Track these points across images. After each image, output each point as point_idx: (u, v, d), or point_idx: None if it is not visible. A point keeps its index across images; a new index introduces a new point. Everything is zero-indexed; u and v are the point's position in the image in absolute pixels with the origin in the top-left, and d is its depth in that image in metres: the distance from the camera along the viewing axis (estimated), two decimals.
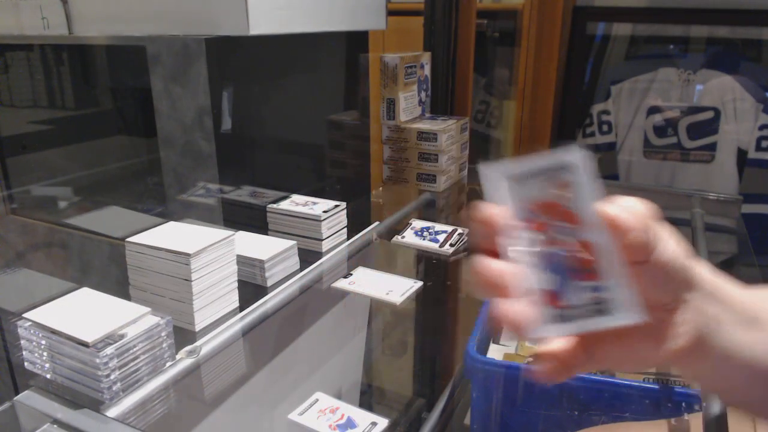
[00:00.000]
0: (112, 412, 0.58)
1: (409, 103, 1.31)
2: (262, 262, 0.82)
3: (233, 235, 0.75)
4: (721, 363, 0.38)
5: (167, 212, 1.00)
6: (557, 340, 0.34)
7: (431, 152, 1.26)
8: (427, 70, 1.37)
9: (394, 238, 1.05)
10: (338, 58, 1.21)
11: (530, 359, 1.10)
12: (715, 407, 0.60)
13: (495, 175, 0.37)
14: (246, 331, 0.75)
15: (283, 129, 1.09)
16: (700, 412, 0.62)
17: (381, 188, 1.34)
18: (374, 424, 0.64)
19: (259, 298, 0.80)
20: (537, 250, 0.35)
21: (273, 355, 0.87)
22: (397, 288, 0.86)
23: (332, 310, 1.00)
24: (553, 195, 0.36)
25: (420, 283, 0.88)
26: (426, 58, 1.36)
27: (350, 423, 0.64)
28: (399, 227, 1.10)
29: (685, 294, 0.36)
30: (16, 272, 1.15)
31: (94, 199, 1.15)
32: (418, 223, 1.10)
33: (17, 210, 1.19)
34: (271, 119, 1.05)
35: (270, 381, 0.86)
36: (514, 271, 0.34)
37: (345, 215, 0.99)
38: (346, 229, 1.00)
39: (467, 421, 1.05)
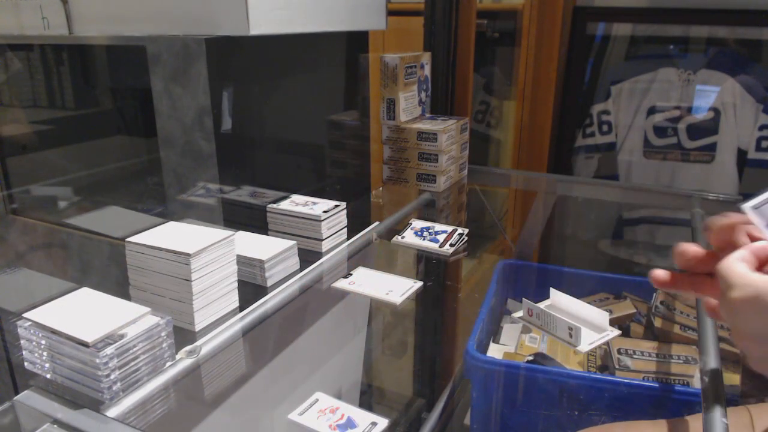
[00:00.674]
0: (112, 412, 0.58)
1: (409, 103, 1.31)
2: (262, 262, 0.82)
3: (233, 235, 0.75)
4: None
5: (167, 212, 1.00)
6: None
7: (431, 152, 1.26)
8: (427, 70, 1.37)
9: (394, 238, 1.06)
10: (338, 58, 1.21)
11: (530, 358, 1.10)
12: (715, 407, 0.60)
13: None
14: (246, 331, 0.75)
15: (283, 129, 1.09)
16: (699, 412, 0.62)
17: (381, 188, 1.34)
18: (374, 424, 0.64)
19: (259, 298, 0.80)
20: None
21: (273, 355, 0.87)
22: (397, 288, 0.87)
23: (332, 310, 1.01)
24: None
25: (420, 283, 0.88)
26: (426, 58, 1.36)
27: (350, 423, 0.64)
28: (399, 227, 1.10)
29: None
30: (16, 272, 1.15)
31: (94, 199, 1.15)
32: (418, 223, 1.10)
33: (17, 210, 1.19)
34: (271, 119, 1.05)
35: (270, 381, 0.86)
36: None
37: (345, 215, 0.99)
38: (346, 229, 1.00)
39: (467, 421, 1.05)
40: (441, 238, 1.05)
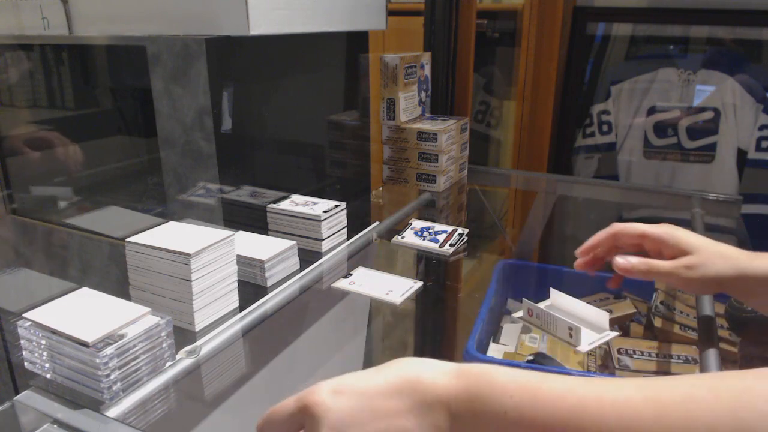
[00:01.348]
0: (112, 412, 0.58)
1: (409, 103, 1.31)
2: (262, 262, 0.82)
3: (233, 235, 0.75)
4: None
5: (167, 212, 1.00)
6: None
7: (431, 152, 1.26)
8: (427, 70, 1.37)
9: (394, 238, 1.06)
10: (338, 58, 1.21)
11: (530, 358, 1.10)
12: None
13: None
14: (246, 331, 0.75)
15: (283, 129, 1.09)
16: None
17: (381, 188, 1.34)
18: None
19: (259, 298, 0.80)
20: None
21: (273, 355, 0.87)
22: (397, 288, 0.87)
23: (332, 310, 1.00)
24: None
25: (420, 283, 0.88)
26: (426, 58, 1.36)
27: None
28: (399, 227, 1.10)
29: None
30: (16, 272, 1.15)
31: (94, 199, 1.15)
32: (418, 223, 1.10)
33: (17, 210, 1.19)
34: (271, 119, 1.05)
35: (270, 381, 0.86)
36: None
37: (345, 215, 0.99)
38: (346, 229, 1.00)
39: None
40: (441, 238, 1.05)
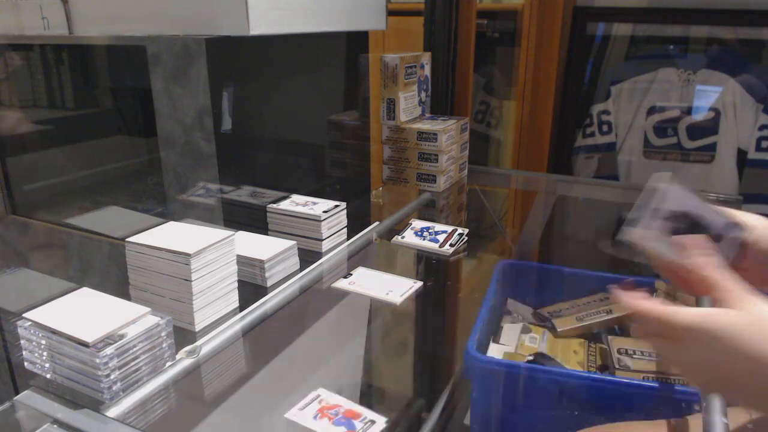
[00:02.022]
0: (112, 412, 0.58)
1: (409, 103, 1.31)
2: (262, 262, 0.82)
3: (233, 235, 0.75)
4: None
5: (167, 212, 1.00)
6: None
7: (431, 152, 1.26)
8: (427, 70, 1.37)
9: (394, 238, 1.06)
10: (338, 58, 1.21)
11: (530, 358, 1.10)
12: (715, 407, 0.60)
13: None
14: (246, 331, 0.75)
15: (283, 129, 1.09)
16: (699, 412, 0.62)
17: (381, 188, 1.34)
18: (372, 422, 0.64)
19: (259, 298, 0.80)
20: None
21: (273, 355, 0.87)
22: (397, 288, 0.87)
23: (332, 310, 1.00)
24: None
25: (420, 283, 0.88)
26: (426, 58, 1.36)
27: (350, 421, 0.64)
28: (399, 227, 1.10)
29: None
30: (16, 272, 1.15)
31: (94, 199, 1.15)
32: (418, 223, 1.10)
33: (17, 210, 1.19)
34: (271, 119, 1.05)
35: (270, 381, 0.86)
36: None
37: (345, 215, 0.99)
38: (346, 229, 1.00)
39: (467, 421, 1.05)
40: (441, 238, 1.05)
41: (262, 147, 1.05)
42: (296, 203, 0.98)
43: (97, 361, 0.58)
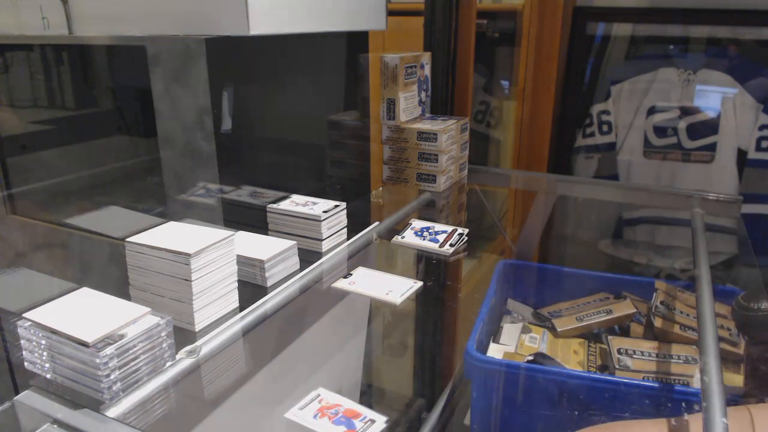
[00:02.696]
0: (112, 412, 0.58)
1: (409, 103, 1.31)
2: (262, 262, 0.82)
3: (233, 235, 0.75)
4: None
5: (167, 212, 1.00)
6: None
7: (431, 152, 1.26)
8: (427, 70, 1.37)
9: (394, 238, 1.06)
10: (338, 58, 1.21)
11: (530, 358, 1.10)
12: (715, 407, 0.60)
13: None
14: (246, 331, 0.75)
15: (283, 129, 1.09)
16: (699, 412, 0.62)
17: (381, 188, 1.34)
18: (372, 421, 0.64)
19: (259, 298, 0.80)
20: None
21: (273, 355, 0.87)
22: (397, 288, 0.87)
23: (332, 310, 1.01)
24: None
25: (420, 283, 0.88)
26: (426, 58, 1.36)
27: (349, 420, 0.64)
28: (399, 227, 1.10)
29: None
30: (16, 272, 1.15)
31: (94, 199, 1.15)
32: (418, 223, 1.10)
33: (17, 210, 1.19)
34: (271, 119, 1.05)
35: (270, 381, 0.86)
36: None
37: (345, 215, 0.99)
38: (346, 229, 1.00)
39: (467, 421, 1.05)
40: (441, 238, 1.05)
41: (262, 147, 1.05)
42: (296, 203, 0.98)
43: (97, 361, 0.58)
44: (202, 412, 0.75)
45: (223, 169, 0.92)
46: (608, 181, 1.77)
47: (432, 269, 1.08)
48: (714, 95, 1.71)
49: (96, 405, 0.59)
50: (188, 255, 0.69)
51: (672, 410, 0.89)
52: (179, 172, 0.95)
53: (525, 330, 1.21)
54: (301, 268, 0.89)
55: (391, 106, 1.28)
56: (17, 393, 0.60)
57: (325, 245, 0.95)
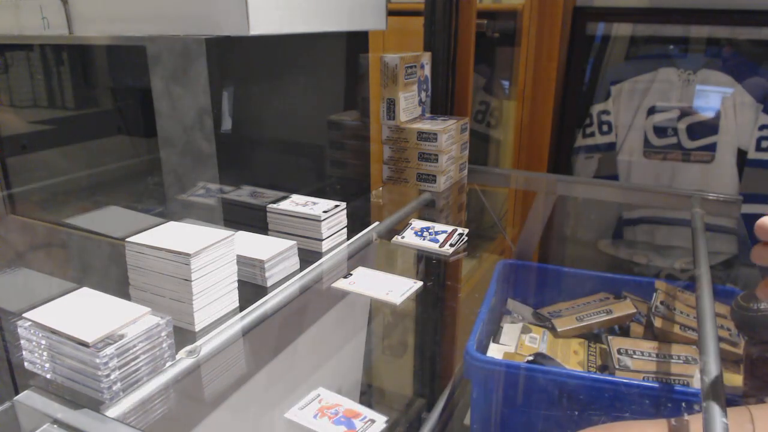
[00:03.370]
0: (112, 412, 0.58)
1: (409, 103, 1.31)
2: (262, 262, 0.82)
3: (233, 235, 0.75)
4: None
5: (167, 212, 1.00)
6: None
7: (431, 152, 1.26)
8: (427, 70, 1.37)
9: (394, 238, 1.06)
10: (338, 58, 1.21)
11: (530, 358, 1.10)
12: (715, 407, 0.60)
13: None
14: (246, 331, 0.75)
15: (283, 129, 1.09)
16: (699, 412, 0.62)
17: (381, 188, 1.34)
18: (372, 421, 0.64)
19: (259, 298, 0.80)
20: None
21: (273, 355, 0.87)
22: (396, 288, 0.87)
23: (332, 310, 1.01)
24: None
25: (420, 283, 0.88)
26: (426, 58, 1.36)
27: (349, 420, 0.64)
28: (399, 227, 1.10)
29: None
30: (16, 272, 1.15)
31: (94, 199, 1.15)
32: (418, 223, 1.10)
33: (17, 210, 1.19)
34: (271, 119, 1.05)
35: (270, 381, 0.86)
36: None
37: (345, 215, 0.99)
38: (346, 229, 1.00)
39: (467, 421, 1.05)
40: (441, 238, 1.05)
41: (262, 147, 1.05)
42: (296, 203, 0.98)
43: (97, 361, 0.58)
44: (202, 412, 0.75)
45: (223, 169, 0.92)
46: (608, 181, 1.77)
47: (432, 269, 1.08)
48: (714, 95, 1.71)
49: (96, 405, 0.59)
50: (188, 255, 0.69)
51: (672, 410, 0.89)
52: (179, 172, 0.95)
53: (525, 330, 1.21)
54: (301, 268, 0.89)
55: (391, 106, 1.28)
56: (17, 393, 0.60)
57: (325, 245, 0.95)
